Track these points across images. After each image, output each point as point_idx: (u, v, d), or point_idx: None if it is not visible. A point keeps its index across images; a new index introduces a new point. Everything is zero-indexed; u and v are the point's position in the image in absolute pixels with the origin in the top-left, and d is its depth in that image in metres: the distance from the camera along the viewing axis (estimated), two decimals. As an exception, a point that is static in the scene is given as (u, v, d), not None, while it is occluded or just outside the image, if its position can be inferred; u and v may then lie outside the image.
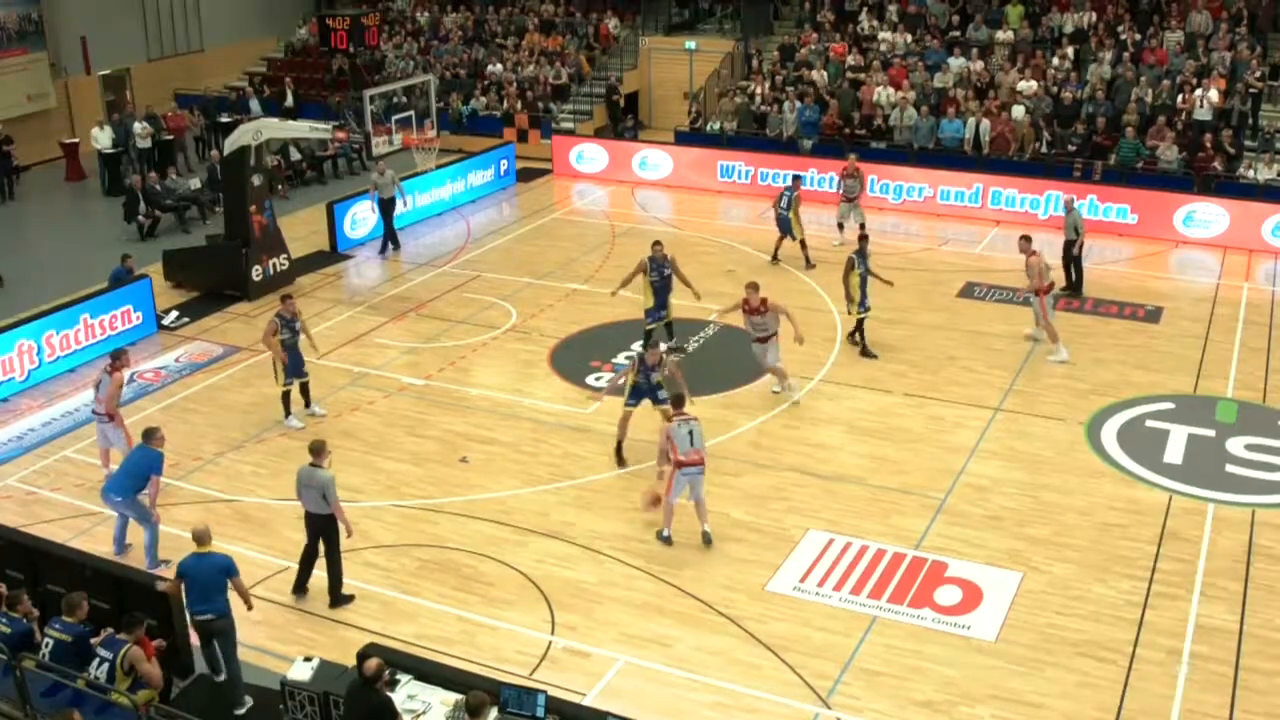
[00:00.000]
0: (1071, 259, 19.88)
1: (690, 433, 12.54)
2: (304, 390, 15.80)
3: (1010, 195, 23.85)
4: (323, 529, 11.70)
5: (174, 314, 19.39)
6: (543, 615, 11.73)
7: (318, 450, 11.70)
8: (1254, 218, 22.20)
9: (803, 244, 21.30)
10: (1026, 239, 17.89)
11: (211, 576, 10.19)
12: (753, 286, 15.93)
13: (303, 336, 15.61)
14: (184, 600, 10.33)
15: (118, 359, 14.09)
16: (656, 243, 17.30)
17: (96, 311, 17.85)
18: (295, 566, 12.23)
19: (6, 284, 20.97)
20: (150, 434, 12.22)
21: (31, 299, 19.24)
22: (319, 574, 11.97)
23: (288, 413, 15.65)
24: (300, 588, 12.07)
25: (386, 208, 22.40)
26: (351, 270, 21.89)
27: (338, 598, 11.96)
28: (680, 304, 19.53)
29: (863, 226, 20.12)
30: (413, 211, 24.13)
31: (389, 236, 22.69)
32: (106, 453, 14.25)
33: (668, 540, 12.86)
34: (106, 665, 9.20)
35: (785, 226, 21.17)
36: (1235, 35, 26.35)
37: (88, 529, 13.09)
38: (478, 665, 10.70)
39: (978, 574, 12.27)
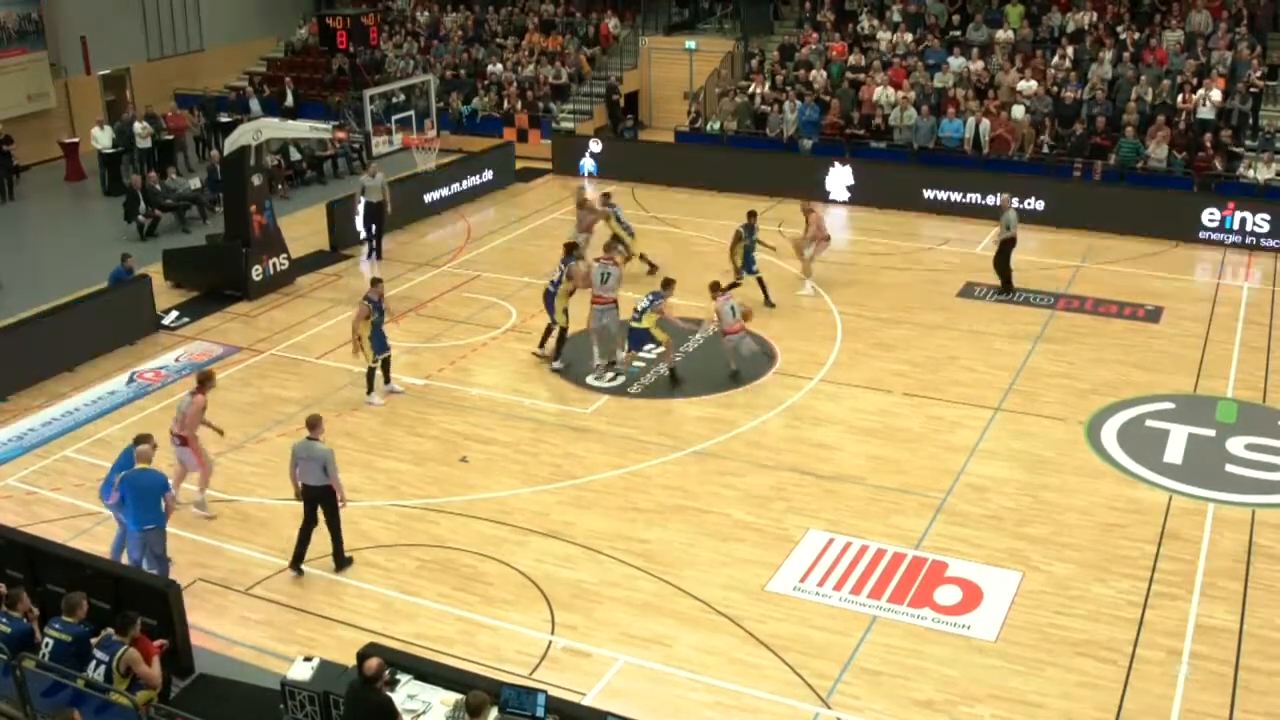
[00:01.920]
0: (1003, 257, 20.02)
1: (732, 308, 16.71)
2: (386, 366, 16.31)
3: (1010, 195, 23.80)
4: (321, 499, 12.16)
5: (174, 314, 19.40)
6: (543, 615, 11.73)
7: (314, 424, 12.22)
8: (1254, 217, 22.19)
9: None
10: (807, 200, 20.95)
11: (152, 492, 11.35)
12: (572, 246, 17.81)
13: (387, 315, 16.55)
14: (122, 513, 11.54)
15: (204, 383, 13.66)
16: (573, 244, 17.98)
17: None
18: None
19: (6, 284, 20.96)
20: (143, 439, 12.04)
21: (31, 299, 19.26)
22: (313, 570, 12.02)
23: (370, 389, 16.20)
24: (298, 563, 12.31)
25: (373, 212, 21.86)
26: (351, 270, 21.88)
27: (341, 561, 12.39)
28: (681, 304, 19.58)
29: (752, 214, 19.93)
30: (411, 211, 24.13)
31: (375, 244, 22.12)
32: (181, 476, 13.52)
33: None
34: (103, 668, 9.18)
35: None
36: (1235, 35, 26.36)
37: (88, 529, 13.08)
38: (478, 665, 10.70)
39: (978, 574, 12.27)
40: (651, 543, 12.92)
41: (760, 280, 19.44)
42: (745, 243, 19.35)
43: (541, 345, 17.46)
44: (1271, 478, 14.11)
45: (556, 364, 17.11)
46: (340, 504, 12.25)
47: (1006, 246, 19.91)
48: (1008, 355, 17.56)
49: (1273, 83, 25.73)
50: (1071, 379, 16.75)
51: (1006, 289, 19.98)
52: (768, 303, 19.24)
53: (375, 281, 16.34)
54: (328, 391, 16.58)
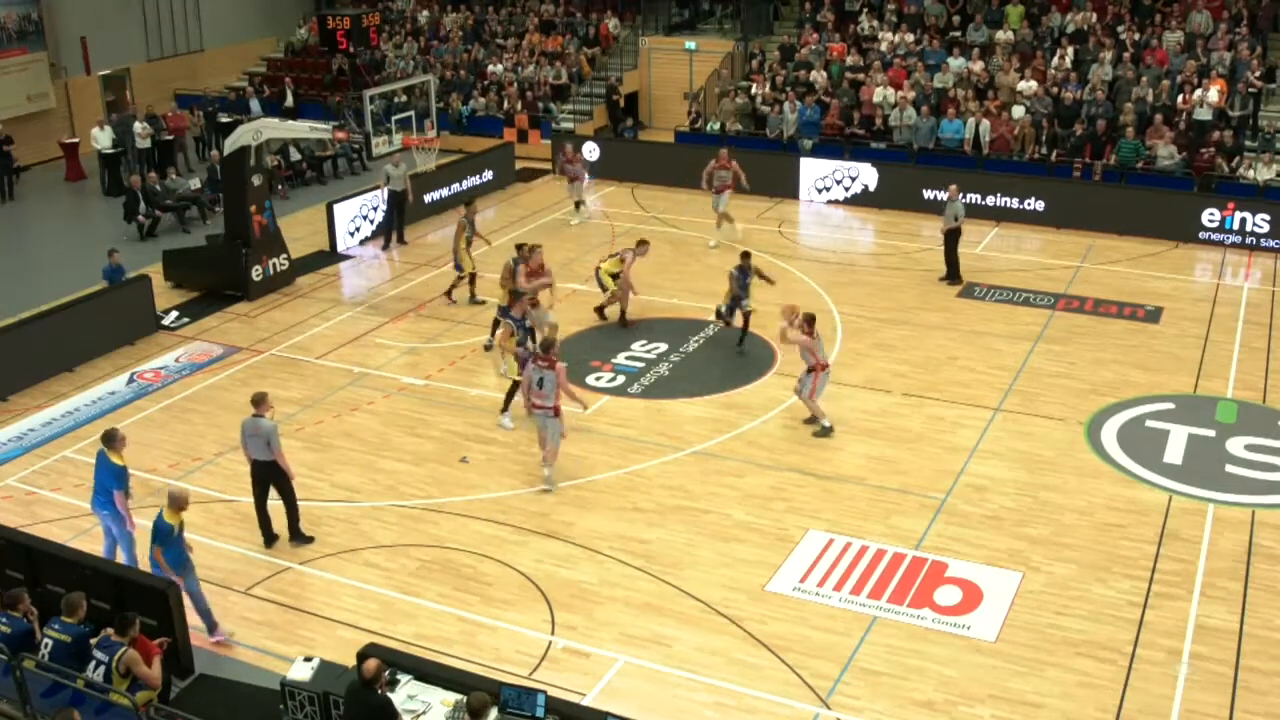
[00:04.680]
0: (950, 247, 20.43)
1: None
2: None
3: (1010, 195, 23.84)
4: (269, 474, 12.56)
5: (174, 314, 19.40)
6: (543, 615, 11.73)
7: (259, 401, 12.56)
8: (1254, 217, 22.19)
9: (471, 278, 19.73)
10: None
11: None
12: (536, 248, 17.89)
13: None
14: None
15: (549, 351, 14.00)
16: (520, 245, 18.04)
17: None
18: (295, 567, 12.40)
19: (7, 284, 20.94)
20: (111, 438, 11.96)
21: (31, 299, 19.25)
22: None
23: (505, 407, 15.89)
24: (269, 540, 12.82)
25: (397, 201, 22.80)
26: (351, 270, 21.90)
27: (297, 535, 12.80)
28: (681, 304, 19.58)
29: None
30: (412, 211, 24.14)
31: (396, 231, 23.07)
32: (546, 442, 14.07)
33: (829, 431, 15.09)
34: (103, 668, 9.19)
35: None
36: (1235, 35, 26.35)
37: (88, 529, 13.06)
38: (478, 665, 10.71)
39: (978, 574, 12.27)
40: (651, 543, 12.92)
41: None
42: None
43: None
44: (1271, 478, 14.11)
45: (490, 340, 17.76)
46: (290, 477, 12.63)
47: (952, 236, 20.33)
48: (1008, 355, 17.56)
49: (1272, 84, 25.73)
50: (1071, 379, 16.75)
51: (953, 278, 20.41)
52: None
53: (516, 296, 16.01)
54: (328, 391, 16.58)
